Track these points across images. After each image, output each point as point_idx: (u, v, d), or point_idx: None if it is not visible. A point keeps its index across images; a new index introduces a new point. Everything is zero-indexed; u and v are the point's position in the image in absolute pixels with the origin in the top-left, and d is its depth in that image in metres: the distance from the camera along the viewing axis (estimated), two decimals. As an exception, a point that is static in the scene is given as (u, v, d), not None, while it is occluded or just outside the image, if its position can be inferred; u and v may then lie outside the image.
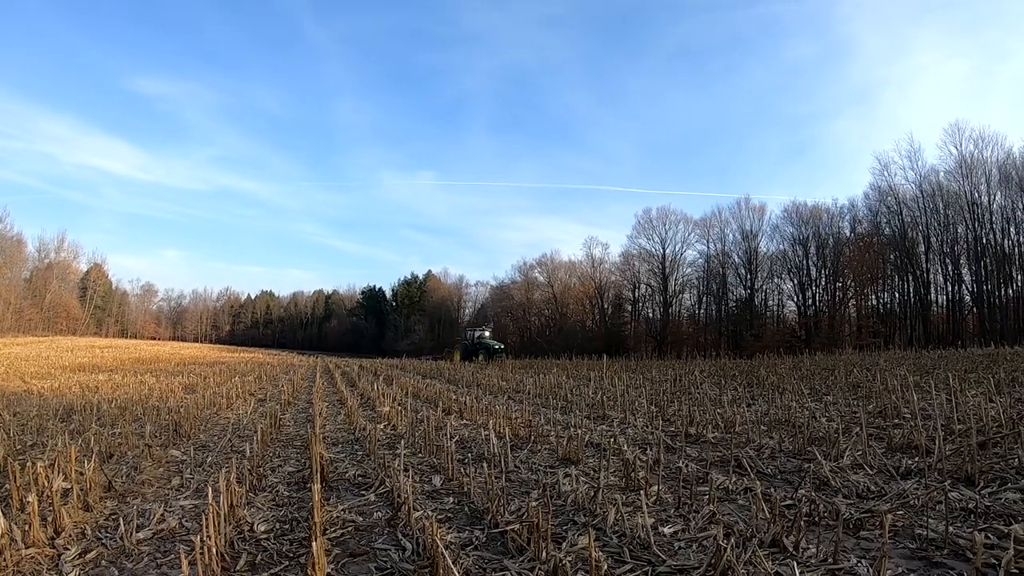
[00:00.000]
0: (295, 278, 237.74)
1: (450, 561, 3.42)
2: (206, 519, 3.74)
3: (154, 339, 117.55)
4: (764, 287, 65.90)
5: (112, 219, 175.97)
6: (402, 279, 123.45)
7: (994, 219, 50.86)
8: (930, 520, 3.99)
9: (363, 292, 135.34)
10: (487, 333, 54.83)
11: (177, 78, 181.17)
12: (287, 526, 4.67)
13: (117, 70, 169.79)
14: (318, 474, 5.54)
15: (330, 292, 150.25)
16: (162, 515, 4.84)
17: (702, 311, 70.90)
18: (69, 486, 5.32)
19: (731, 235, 67.06)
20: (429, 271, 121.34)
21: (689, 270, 70.83)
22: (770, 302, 66.78)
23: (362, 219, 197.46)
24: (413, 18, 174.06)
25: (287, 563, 3.94)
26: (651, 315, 72.38)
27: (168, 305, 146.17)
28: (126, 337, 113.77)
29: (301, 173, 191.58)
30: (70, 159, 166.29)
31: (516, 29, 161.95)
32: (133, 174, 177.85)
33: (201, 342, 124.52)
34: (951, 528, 3.76)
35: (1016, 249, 50.17)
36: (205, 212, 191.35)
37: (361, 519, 4.81)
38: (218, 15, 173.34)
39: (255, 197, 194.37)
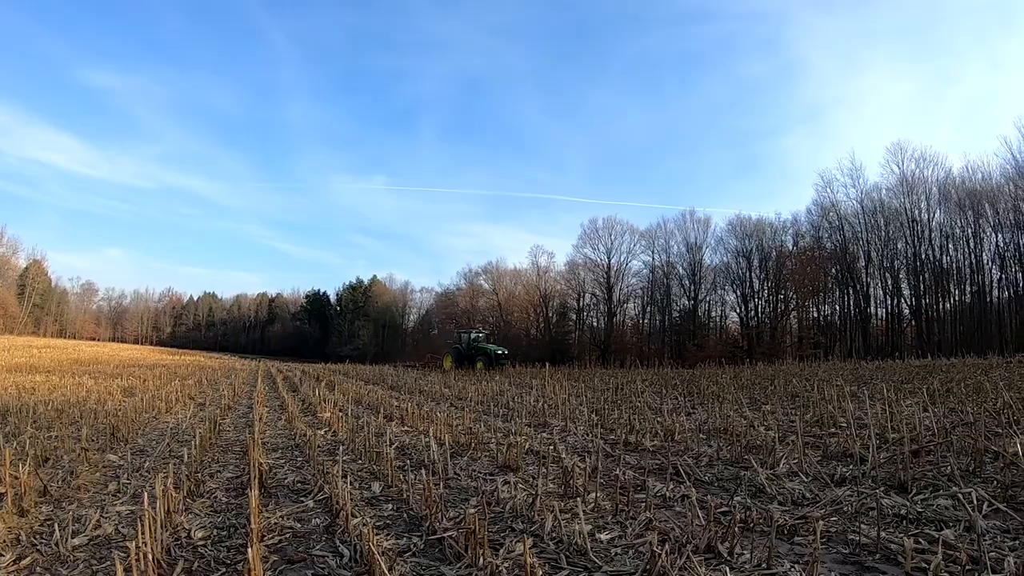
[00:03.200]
0: (239, 280, 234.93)
1: (386, 568, 3.39)
2: (142, 525, 3.66)
3: (94, 340, 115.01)
4: (707, 298, 67.43)
5: (55, 215, 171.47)
6: (347, 284, 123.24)
7: (933, 236, 53.15)
8: (863, 526, 4.07)
9: (308, 296, 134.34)
10: (482, 335, 47.44)
11: (126, 71, 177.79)
12: (225, 532, 4.56)
13: (65, 60, 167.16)
14: (256, 480, 5.42)
15: (274, 295, 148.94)
16: (98, 521, 4.71)
17: (646, 321, 72.03)
18: (3, 491, 5.16)
19: (676, 246, 68.55)
20: (374, 276, 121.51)
21: (634, 280, 72.03)
22: (713, 313, 68.30)
23: (309, 222, 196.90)
24: (370, 21, 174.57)
25: (224, 570, 3.85)
26: (595, 324, 73.16)
27: (109, 305, 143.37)
28: (65, 337, 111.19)
29: (249, 174, 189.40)
30: (13, 151, 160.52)
31: (472, 37, 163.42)
32: (78, 169, 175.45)
33: (142, 344, 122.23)
34: (883, 533, 3.85)
35: (954, 265, 52.44)
36: (150, 210, 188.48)
37: (299, 525, 4.73)
38: (172, 7, 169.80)
39: (201, 196, 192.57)
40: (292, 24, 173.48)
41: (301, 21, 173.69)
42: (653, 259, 70.03)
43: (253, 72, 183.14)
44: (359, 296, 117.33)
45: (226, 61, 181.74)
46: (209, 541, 4.36)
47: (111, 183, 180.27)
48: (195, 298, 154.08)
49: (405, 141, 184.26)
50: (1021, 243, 48.51)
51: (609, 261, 71.78)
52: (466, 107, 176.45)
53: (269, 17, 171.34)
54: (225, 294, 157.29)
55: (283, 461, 7.53)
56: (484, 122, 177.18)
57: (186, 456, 6.77)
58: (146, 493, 4.23)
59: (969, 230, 51.55)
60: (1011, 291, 49.72)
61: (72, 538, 4.29)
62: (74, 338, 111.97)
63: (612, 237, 71.83)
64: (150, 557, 3.58)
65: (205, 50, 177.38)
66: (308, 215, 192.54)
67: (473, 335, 45.16)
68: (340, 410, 12.24)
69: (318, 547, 4.24)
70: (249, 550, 3.30)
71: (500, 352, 41.40)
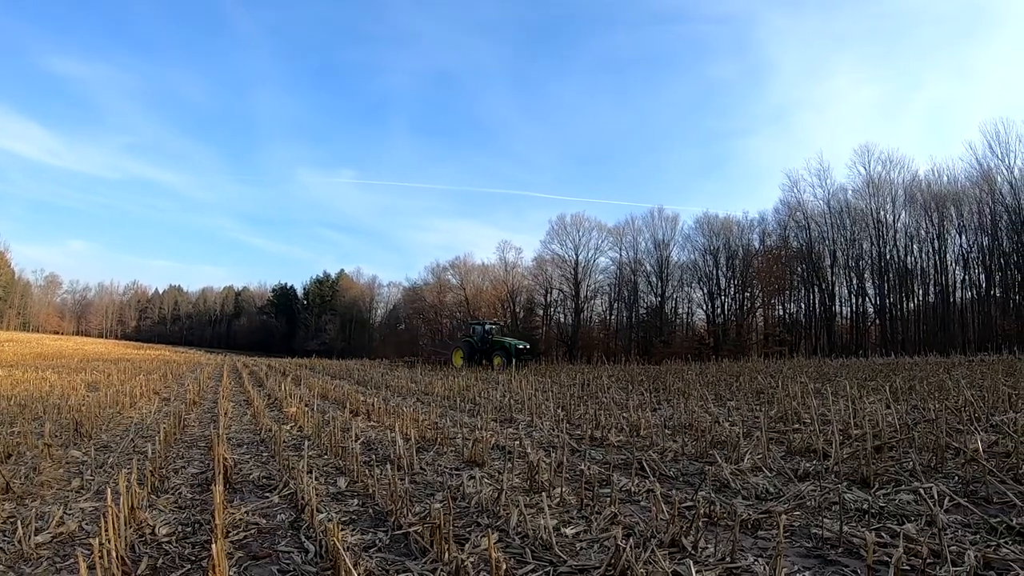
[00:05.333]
0: (205, 273, 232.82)
1: (351, 563, 3.36)
2: (106, 522, 3.61)
3: (58, 333, 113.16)
4: (675, 295, 67.75)
5: (19, 206, 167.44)
6: (314, 278, 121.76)
7: (898, 237, 54.19)
8: (826, 520, 4.12)
9: (274, 290, 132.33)
10: (495, 327, 41.75)
11: (94, 59, 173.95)
12: (189, 529, 4.50)
13: (31, 47, 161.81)
14: (221, 476, 5.39)
15: (240, 289, 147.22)
16: (62, 518, 4.63)
17: (613, 317, 72.30)
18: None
19: (643, 243, 68.71)
20: (342, 270, 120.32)
21: (601, 276, 72.15)
22: (680, 310, 68.66)
23: (277, 215, 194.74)
24: (342, 13, 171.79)
25: (189, 566, 3.79)
26: (563, 320, 73.24)
27: (73, 298, 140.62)
28: (28, 331, 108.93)
29: (217, 165, 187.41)
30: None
31: (444, 31, 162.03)
32: (43, 159, 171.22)
33: (106, 338, 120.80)
34: (846, 528, 3.90)
35: (918, 265, 53.51)
36: (116, 202, 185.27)
37: (265, 521, 4.68)
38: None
39: (168, 188, 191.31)
40: (263, 14, 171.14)
41: (272, 11, 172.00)
42: (621, 256, 70.34)
43: (223, 62, 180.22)
44: (326, 290, 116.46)
45: (195, 51, 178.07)
46: (174, 538, 4.31)
47: (77, 173, 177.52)
48: (160, 291, 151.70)
49: (375, 135, 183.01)
50: (985, 245, 49.65)
51: (577, 257, 71.97)
52: (437, 102, 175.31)
53: (240, 6, 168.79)
54: (191, 287, 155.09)
55: (248, 456, 7.44)
56: (454, 117, 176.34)
57: (150, 452, 6.64)
58: (110, 489, 4.16)
59: (934, 232, 52.60)
60: (974, 292, 50.85)
61: (35, 535, 4.21)
62: (37, 332, 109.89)
63: (580, 233, 72.04)
64: (114, 554, 3.54)
65: (174, 39, 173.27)
66: (276, 208, 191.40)
67: (488, 326, 39.84)
68: (306, 405, 12.16)
69: (283, 543, 4.20)
70: (213, 546, 3.25)
71: (521, 346, 36.63)
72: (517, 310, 74.84)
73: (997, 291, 49.23)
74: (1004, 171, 48.63)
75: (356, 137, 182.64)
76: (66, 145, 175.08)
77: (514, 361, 33.01)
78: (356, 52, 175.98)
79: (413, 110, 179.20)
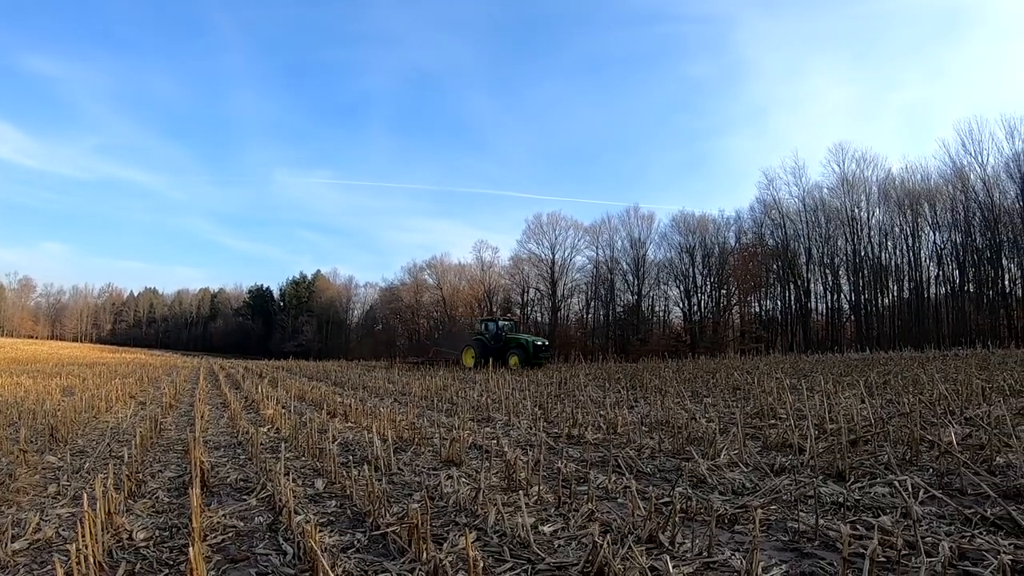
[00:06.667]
0: (181, 275, 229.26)
1: (328, 565, 3.37)
2: (83, 527, 3.58)
3: (32, 338, 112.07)
4: (651, 293, 68.54)
5: None
6: (291, 279, 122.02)
7: (872, 234, 55.20)
8: (802, 514, 4.18)
9: (250, 291, 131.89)
10: (508, 324, 37.93)
11: (68, 58, 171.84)
12: (167, 533, 4.45)
13: (3, 45, 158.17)
14: (197, 479, 5.35)
15: (216, 291, 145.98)
16: (38, 524, 4.57)
17: (590, 315, 72.90)
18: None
19: (620, 242, 69.60)
20: (318, 271, 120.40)
21: (578, 275, 72.91)
22: (656, 308, 69.43)
23: (253, 216, 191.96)
24: (320, 12, 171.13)
25: (167, 570, 3.76)
26: (539, 319, 73.48)
27: (47, 302, 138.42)
28: (2, 336, 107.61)
29: (192, 166, 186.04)
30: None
31: (423, 30, 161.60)
32: (16, 159, 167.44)
33: (81, 341, 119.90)
34: (822, 521, 3.95)
35: (892, 261, 54.46)
36: (90, 203, 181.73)
37: (242, 524, 4.63)
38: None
39: (142, 189, 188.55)
40: (240, 13, 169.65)
41: (249, 10, 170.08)
42: (597, 255, 71.03)
43: (199, 61, 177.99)
44: (303, 291, 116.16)
45: (171, 50, 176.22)
46: (151, 542, 4.26)
47: (50, 174, 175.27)
48: (136, 294, 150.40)
49: (352, 135, 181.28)
50: (958, 241, 50.48)
51: (553, 256, 72.55)
52: (415, 101, 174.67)
53: (217, 5, 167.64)
54: (166, 289, 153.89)
55: (225, 459, 7.38)
56: (432, 117, 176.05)
57: (126, 456, 6.62)
58: (86, 495, 4.18)
59: (908, 228, 53.63)
60: (948, 287, 51.82)
61: (12, 542, 4.17)
62: (11, 336, 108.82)
63: (556, 232, 72.64)
64: (91, 560, 3.53)
65: (150, 37, 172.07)
66: (251, 208, 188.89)
67: (502, 323, 36.74)
68: (283, 407, 12.07)
69: (261, 545, 4.17)
70: (191, 550, 3.23)
71: (540, 343, 33.23)
72: (494, 309, 74.98)
73: (970, 287, 50.18)
74: (977, 168, 49.77)
75: (333, 137, 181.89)
76: (40, 145, 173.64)
77: (532, 360, 31.37)
78: (334, 51, 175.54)
79: (391, 109, 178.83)
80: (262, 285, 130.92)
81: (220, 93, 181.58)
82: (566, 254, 72.49)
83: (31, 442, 8.18)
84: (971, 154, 49.89)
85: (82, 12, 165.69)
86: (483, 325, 36.92)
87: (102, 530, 4.03)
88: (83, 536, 3.54)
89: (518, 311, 73.91)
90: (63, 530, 4.54)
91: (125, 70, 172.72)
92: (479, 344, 34.14)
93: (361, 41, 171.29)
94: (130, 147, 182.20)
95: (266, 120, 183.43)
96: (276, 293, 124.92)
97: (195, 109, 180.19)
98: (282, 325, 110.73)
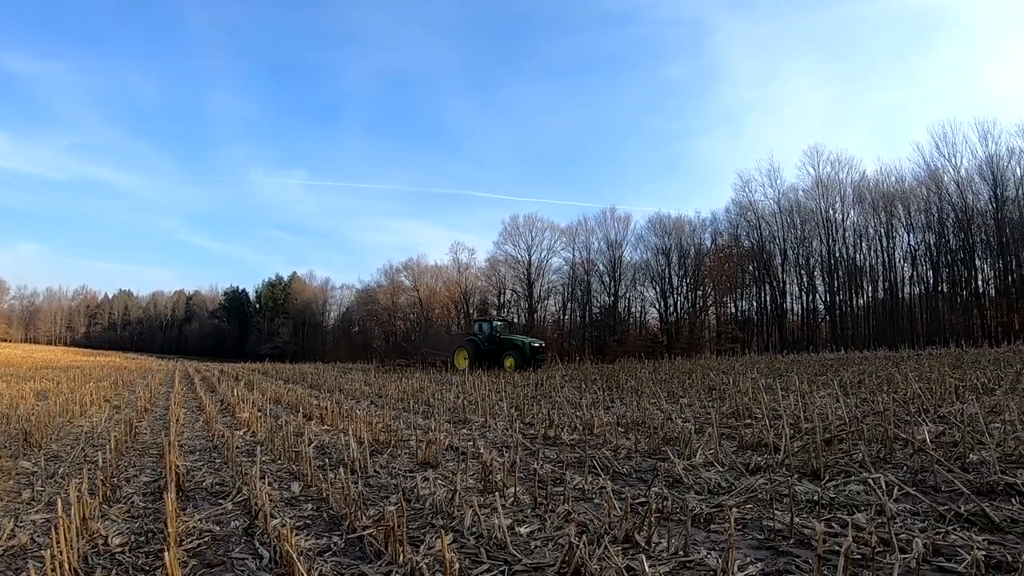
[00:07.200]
0: (156, 277, 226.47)
1: (304, 569, 3.37)
2: (57, 533, 3.55)
3: (5, 341, 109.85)
4: (627, 294, 68.88)
5: None
6: (267, 281, 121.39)
7: (847, 235, 55.90)
8: (777, 512, 4.22)
9: (226, 293, 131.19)
10: (501, 324, 36.74)
11: (43, 56, 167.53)
12: (143, 538, 4.41)
13: None
14: (173, 483, 5.27)
15: (192, 293, 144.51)
16: (12, 531, 4.52)
17: (567, 317, 73.08)
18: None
19: (596, 243, 69.98)
20: (294, 273, 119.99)
21: (554, 277, 73.19)
22: (633, 309, 69.76)
23: (228, 216, 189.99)
24: (297, 11, 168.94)
25: None
26: (516, 320, 73.51)
27: (21, 304, 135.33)
28: None
29: (166, 167, 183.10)
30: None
31: (400, 30, 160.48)
32: None
33: (56, 344, 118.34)
34: (797, 519, 3.98)
35: (866, 262, 55.14)
36: (64, 203, 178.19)
37: (218, 528, 4.60)
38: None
39: (117, 189, 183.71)
40: (217, 12, 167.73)
41: (226, 9, 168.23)
42: (574, 256, 71.28)
43: (175, 59, 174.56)
44: (279, 293, 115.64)
45: (146, 48, 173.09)
46: (127, 547, 4.22)
47: (24, 174, 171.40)
48: (110, 296, 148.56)
49: (327, 135, 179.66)
50: (932, 242, 51.20)
51: (530, 258, 72.77)
52: (391, 102, 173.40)
53: (193, 3, 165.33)
54: (141, 291, 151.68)
55: (201, 463, 7.32)
56: (408, 118, 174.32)
57: (101, 461, 6.53)
58: (61, 500, 4.13)
59: (882, 230, 54.29)
60: (922, 287, 52.56)
61: (-14, 549, 4.11)
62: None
63: (533, 234, 72.89)
64: (67, 566, 3.51)
65: (125, 36, 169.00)
66: (226, 209, 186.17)
67: (495, 323, 35.70)
68: (259, 410, 12.02)
69: (237, 550, 4.15)
70: (166, 555, 3.23)
71: (537, 344, 32.62)
72: (471, 311, 75.02)
73: (944, 287, 50.92)
74: (951, 170, 50.52)
75: (309, 137, 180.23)
76: (14, 145, 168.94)
77: (529, 362, 30.42)
78: (310, 51, 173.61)
79: (367, 110, 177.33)
80: (238, 287, 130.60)
81: (196, 92, 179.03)
82: (543, 255, 72.80)
83: (4, 447, 8.10)
84: (945, 156, 50.73)
85: (57, 9, 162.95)
86: (476, 326, 36.11)
87: (77, 536, 4.00)
88: (58, 542, 3.52)
89: (495, 312, 73.90)
90: (38, 536, 4.50)
91: (99, 69, 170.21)
92: (472, 345, 33.18)
93: (338, 41, 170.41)
94: (105, 146, 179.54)
95: (242, 119, 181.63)
96: (252, 295, 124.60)
97: (170, 108, 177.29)
98: (258, 327, 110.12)
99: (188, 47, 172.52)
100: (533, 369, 28.09)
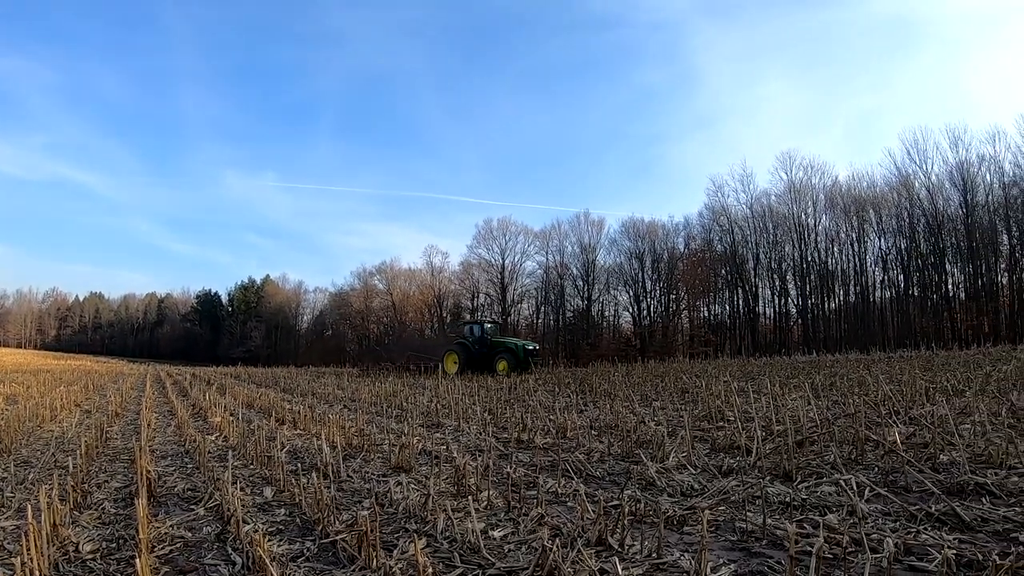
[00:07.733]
0: (127, 280, 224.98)
1: (277, 574, 3.38)
2: (27, 540, 3.51)
3: None
4: (601, 298, 69.18)
5: None
6: (239, 284, 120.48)
7: (819, 239, 56.59)
8: (749, 514, 4.24)
9: (198, 296, 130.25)
10: (491, 326, 35.36)
11: (11, 52, 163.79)
12: (114, 544, 4.36)
13: None
14: (144, 489, 5.27)
15: (164, 296, 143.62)
16: None
17: (540, 321, 73.08)
18: None
19: (570, 247, 70.23)
20: (267, 276, 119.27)
21: (528, 280, 73.26)
22: (606, 313, 70.09)
23: (199, 219, 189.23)
24: (271, 11, 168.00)
25: None
26: (491, 324, 73.54)
27: None
28: None
29: (138, 167, 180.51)
30: None
31: (373, 33, 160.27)
32: None
33: (25, 347, 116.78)
34: (769, 520, 4.01)
35: (838, 267, 55.82)
36: (33, 204, 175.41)
37: (190, 534, 4.55)
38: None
39: (87, 190, 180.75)
40: (188, 10, 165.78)
41: (198, 7, 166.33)
42: (547, 260, 71.46)
43: (145, 58, 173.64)
44: (251, 296, 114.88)
45: (117, 46, 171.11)
46: (98, 554, 4.18)
47: None
48: (81, 299, 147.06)
49: (300, 137, 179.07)
50: (903, 247, 51.94)
51: (503, 262, 72.81)
52: (363, 104, 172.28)
53: (165, 0, 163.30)
54: (113, 294, 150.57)
55: (173, 469, 7.25)
56: (381, 120, 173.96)
57: (71, 466, 6.41)
58: (30, 506, 4.04)
59: (853, 234, 54.95)
60: (893, 291, 53.27)
61: (-44, 558, 4.05)
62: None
63: (506, 238, 72.97)
64: (37, 573, 3.49)
65: (96, 29, 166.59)
66: (198, 211, 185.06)
67: (487, 326, 34.07)
68: (231, 415, 11.93)
69: (209, 556, 4.11)
70: (138, 561, 3.21)
71: (531, 347, 31.65)
72: (444, 315, 74.99)
73: (915, 290, 51.66)
74: (922, 176, 51.29)
75: (281, 138, 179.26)
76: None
77: (523, 366, 29.50)
78: (283, 52, 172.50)
79: (339, 112, 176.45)
80: (210, 290, 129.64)
81: (167, 92, 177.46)
82: (516, 259, 72.88)
83: (-27, 454, 7.95)
84: (916, 163, 51.52)
85: (23, 4, 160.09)
86: (466, 328, 34.68)
87: (47, 543, 3.95)
88: (28, 549, 3.50)
89: (468, 316, 73.89)
90: (7, 543, 4.44)
91: (69, 66, 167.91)
92: (462, 348, 31.92)
93: (311, 42, 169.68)
94: (76, 146, 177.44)
95: (213, 120, 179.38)
96: (225, 298, 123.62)
97: (142, 107, 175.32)
98: (230, 331, 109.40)
99: (161, 44, 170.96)
100: (528, 372, 27.37)
